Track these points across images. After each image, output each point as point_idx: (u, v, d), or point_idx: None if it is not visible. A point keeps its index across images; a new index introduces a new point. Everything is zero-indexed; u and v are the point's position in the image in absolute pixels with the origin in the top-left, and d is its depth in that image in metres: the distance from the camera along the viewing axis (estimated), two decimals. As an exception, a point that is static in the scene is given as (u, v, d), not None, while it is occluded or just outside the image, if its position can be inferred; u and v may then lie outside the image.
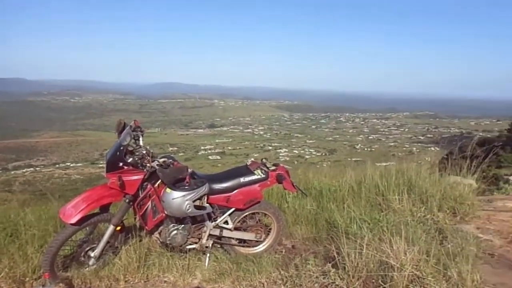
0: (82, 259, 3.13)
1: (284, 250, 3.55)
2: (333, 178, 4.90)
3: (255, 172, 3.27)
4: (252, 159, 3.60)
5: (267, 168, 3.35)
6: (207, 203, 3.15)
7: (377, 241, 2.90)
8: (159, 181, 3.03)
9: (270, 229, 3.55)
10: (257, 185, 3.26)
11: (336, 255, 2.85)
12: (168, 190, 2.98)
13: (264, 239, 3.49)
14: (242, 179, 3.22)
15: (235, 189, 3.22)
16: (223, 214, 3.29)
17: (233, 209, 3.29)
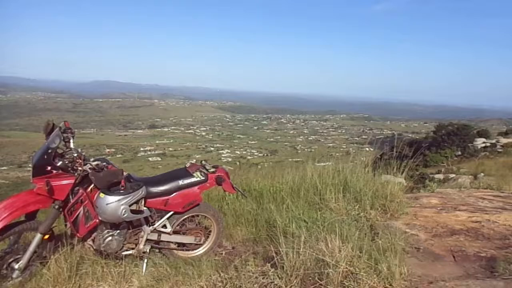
0: (5, 271, 2.89)
1: (224, 252, 3.55)
2: (273, 179, 4.99)
3: (194, 174, 3.24)
4: (192, 161, 3.56)
5: (207, 170, 3.33)
6: (144, 207, 3.06)
7: (314, 240, 2.99)
8: (92, 185, 2.89)
9: (210, 231, 3.53)
10: (196, 187, 3.22)
11: (274, 255, 2.89)
12: (101, 194, 2.84)
13: (204, 242, 3.46)
14: (180, 182, 3.17)
15: (174, 192, 3.16)
16: (161, 218, 3.22)
17: (171, 212, 3.22)
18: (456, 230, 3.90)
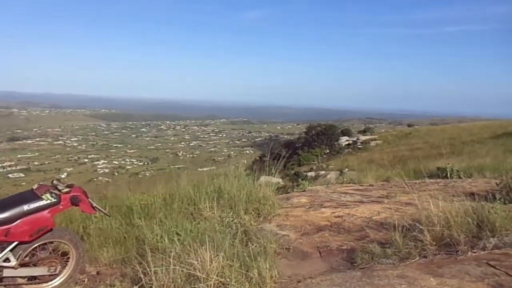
0: None
1: (86, 279, 3.19)
2: (145, 192, 4.71)
3: (44, 196, 2.82)
4: (40, 182, 3.10)
5: (59, 190, 2.93)
6: None
7: (185, 254, 2.86)
8: None
9: (69, 257, 3.12)
10: (46, 211, 2.80)
11: (142, 276, 2.69)
12: None
13: (61, 271, 3.04)
14: (26, 207, 2.72)
15: (18, 219, 2.69)
16: (2, 251, 2.72)
17: (15, 243, 2.75)
18: (322, 227, 4.17)
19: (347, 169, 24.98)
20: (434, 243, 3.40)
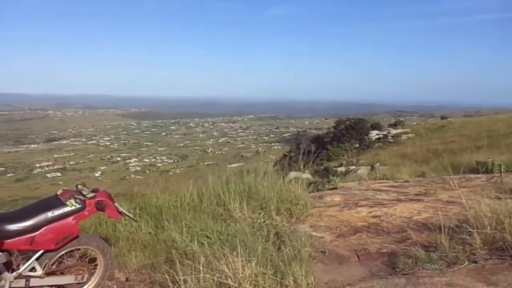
0: None
1: (115, 286, 3.08)
2: (173, 192, 4.60)
3: (68, 202, 2.71)
4: (64, 187, 3.00)
5: (84, 196, 2.83)
6: (0, 251, 2.48)
7: (215, 260, 2.71)
8: None
9: (97, 265, 3.02)
10: (71, 218, 2.70)
11: (171, 285, 2.56)
12: None
13: (89, 279, 2.94)
14: (50, 214, 2.63)
15: (42, 227, 2.60)
16: (27, 260, 2.64)
17: (41, 251, 2.67)
18: (359, 228, 3.94)
19: (378, 164, 24.32)
20: (485, 247, 3.11)
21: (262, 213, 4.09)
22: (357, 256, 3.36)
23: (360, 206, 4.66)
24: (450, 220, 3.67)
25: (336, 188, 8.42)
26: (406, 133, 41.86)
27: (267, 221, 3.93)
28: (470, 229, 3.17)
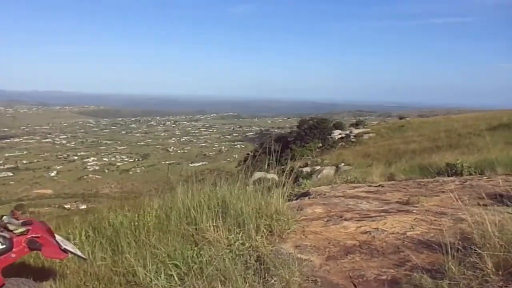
0: None
1: None
2: (134, 206, 3.94)
3: None
4: (-15, 218, 2.30)
5: (11, 231, 2.15)
6: None
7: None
8: None
9: None
10: None
11: None
12: None
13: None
14: None
15: None
16: None
17: None
18: (349, 247, 3.48)
19: (343, 164, 24.39)
20: (498, 271, 2.73)
21: (241, 233, 3.54)
22: (354, 285, 2.89)
23: (346, 219, 4.21)
24: (447, 237, 3.28)
25: (309, 193, 8.03)
26: (368, 132, 42.64)
27: (246, 244, 3.38)
28: (479, 251, 2.79)
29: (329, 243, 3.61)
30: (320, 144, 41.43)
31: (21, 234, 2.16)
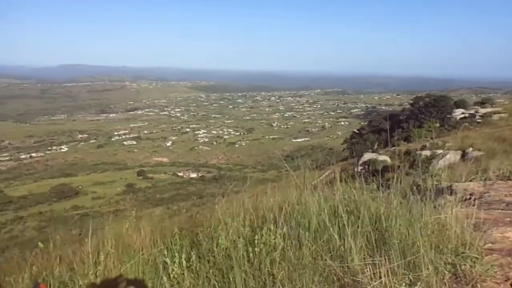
0: None
1: None
2: (251, 216, 2.87)
3: None
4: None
5: None
6: None
7: None
8: None
9: None
10: None
11: None
12: None
13: None
14: None
15: None
16: None
17: None
18: None
19: (471, 149, 21.06)
20: None
21: (409, 275, 2.24)
22: None
23: None
24: None
25: (450, 190, 6.29)
26: (498, 112, 36.84)
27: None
28: None
29: None
30: (438, 125, 37.14)
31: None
